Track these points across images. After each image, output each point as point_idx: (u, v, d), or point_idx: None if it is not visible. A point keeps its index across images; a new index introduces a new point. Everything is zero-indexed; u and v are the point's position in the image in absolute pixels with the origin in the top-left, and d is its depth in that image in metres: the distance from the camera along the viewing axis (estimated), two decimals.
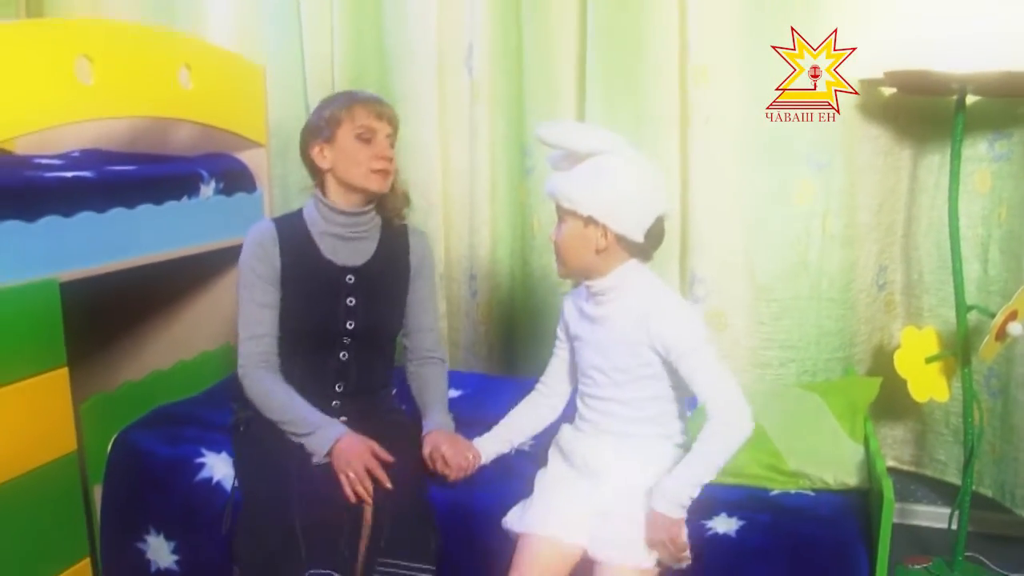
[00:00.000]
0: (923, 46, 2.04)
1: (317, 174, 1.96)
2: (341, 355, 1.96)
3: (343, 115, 1.90)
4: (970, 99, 2.13)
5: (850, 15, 2.22)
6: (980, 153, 2.27)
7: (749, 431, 1.60)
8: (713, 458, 1.59)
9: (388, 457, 1.77)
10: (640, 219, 1.64)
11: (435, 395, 2.02)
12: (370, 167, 1.90)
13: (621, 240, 1.65)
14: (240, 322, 1.94)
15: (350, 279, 1.96)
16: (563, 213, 1.68)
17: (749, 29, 2.30)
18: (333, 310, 1.94)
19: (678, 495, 1.57)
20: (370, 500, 1.72)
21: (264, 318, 1.92)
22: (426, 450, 1.84)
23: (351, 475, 1.73)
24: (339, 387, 1.96)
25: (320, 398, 1.90)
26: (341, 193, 1.94)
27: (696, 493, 1.58)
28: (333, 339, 1.95)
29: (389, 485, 1.73)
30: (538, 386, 1.92)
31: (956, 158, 2.12)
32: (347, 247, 1.97)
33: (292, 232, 1.95)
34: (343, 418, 1.88)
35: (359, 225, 1.97)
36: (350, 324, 1.95)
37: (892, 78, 2.17)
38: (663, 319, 1.64)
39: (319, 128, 1.92)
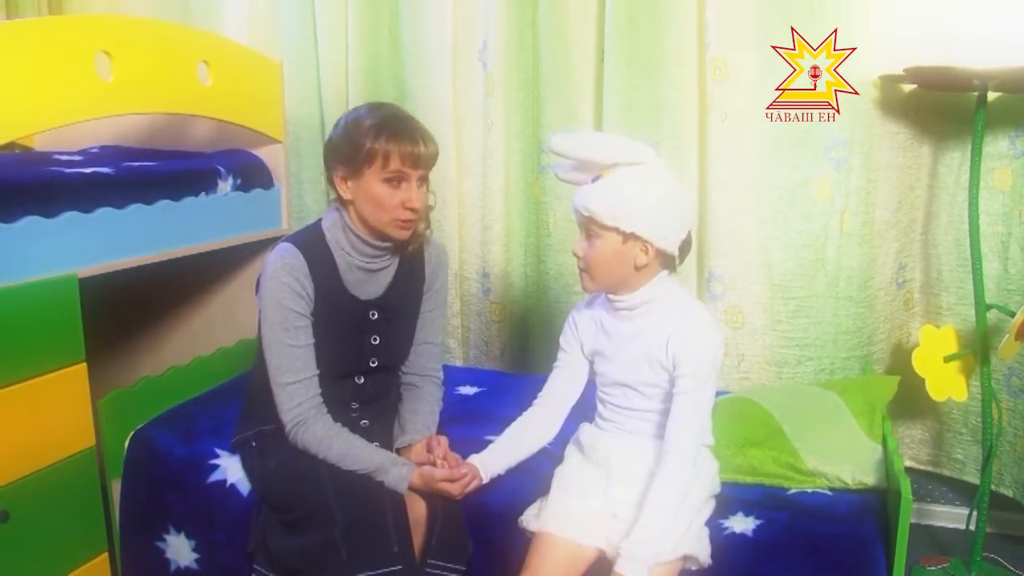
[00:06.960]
0: (944, 42, 2.03)
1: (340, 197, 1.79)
2: (357, 379, 1.89)
3: (375, 152, 1.69)
4: (991, 95, 2.12)
5: (870, 9, 2.20)
6: (1001, 150, 2.24)
7: (690, 475, 1.57)
8: (674, 506, 1.53)
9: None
10: (679, 232, 1.60)
11: (424, 417, 1.91)
12: (396, 216, 1.73)
13: (660, 255, 1.60)
14: (279, 366, 1.75)
15: (373, 315, 1.84)
16: (598, 228, 1.58)
17: (768, 23, 2.27)
18: (357, 349, 1.85)
19: (648, 556, 1.48)
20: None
21: (310, 358, 1.77)
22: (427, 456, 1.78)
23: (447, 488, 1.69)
24: (354, 404, 1.89)
25: (334, 414, 1.80)
26: (363, 226, 1.78)
27: (666, 548, 1.49)
28: (352, 373, 1.87)
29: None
30: (539, 401, 1.83)
31: (977, 155, 2.10)
32: (369, 278, 1.84)
33: (320, 263, 1.78)
34: (364, 422, 1.86)
35: (383, 257, 1.84)
36: (373, 362, 1.88)
37: (912, 74, 2.14)
38: (683, 341, 1.59)
39: (344, 154, 1.72)
